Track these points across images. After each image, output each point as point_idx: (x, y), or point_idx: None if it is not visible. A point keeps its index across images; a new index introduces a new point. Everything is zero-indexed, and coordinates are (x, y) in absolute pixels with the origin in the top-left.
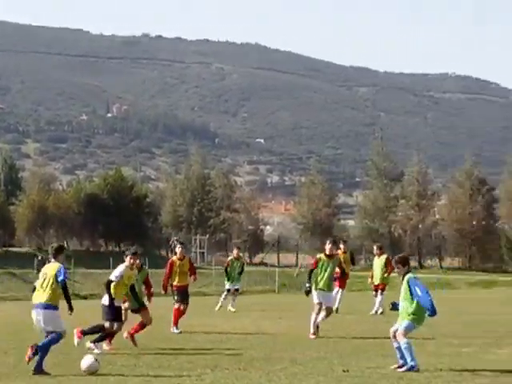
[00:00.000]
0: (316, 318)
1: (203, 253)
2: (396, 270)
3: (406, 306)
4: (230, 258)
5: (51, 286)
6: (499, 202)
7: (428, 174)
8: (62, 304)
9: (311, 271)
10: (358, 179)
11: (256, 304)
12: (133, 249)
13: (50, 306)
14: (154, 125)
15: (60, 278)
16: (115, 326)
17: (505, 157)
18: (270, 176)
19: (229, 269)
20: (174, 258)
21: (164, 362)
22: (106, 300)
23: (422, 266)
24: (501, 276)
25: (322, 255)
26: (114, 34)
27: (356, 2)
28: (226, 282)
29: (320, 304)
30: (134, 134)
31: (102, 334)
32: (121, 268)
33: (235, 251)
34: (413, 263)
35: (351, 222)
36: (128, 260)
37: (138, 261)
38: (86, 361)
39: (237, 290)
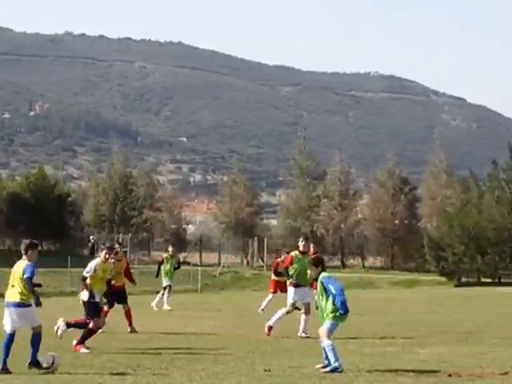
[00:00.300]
0: (283, 315)
1: (125, 252)
2: (272, 277)
3: (324, 306)
4: (164, 256)
5: (20, 283)
6: (421, 202)
7: (350, 173)
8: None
9: (286, 269)
10: (280, 178)
11: (179, 303)
12: (108, 243)
13: (22, 304)
14: (77, 123)
15: (25, 276)
16: (96, 322)
17: (427, 156)
18: (193, 175)
19: (162, 266)
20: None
21: (86, 362)
22: (84, 296)
23: (344, 266)
24: (423, 275)
25: (296, 252)
26: (38, 31)
27: (279, 1)
28: (163, 279)
29: (293, 305)
30: (57, 132)
31: (85, 333)
32: (93, 263)
33: (170, 248)
34: (335, 263)
35: (274, 222)
36: (103, 254)
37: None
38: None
39: (170, 286)
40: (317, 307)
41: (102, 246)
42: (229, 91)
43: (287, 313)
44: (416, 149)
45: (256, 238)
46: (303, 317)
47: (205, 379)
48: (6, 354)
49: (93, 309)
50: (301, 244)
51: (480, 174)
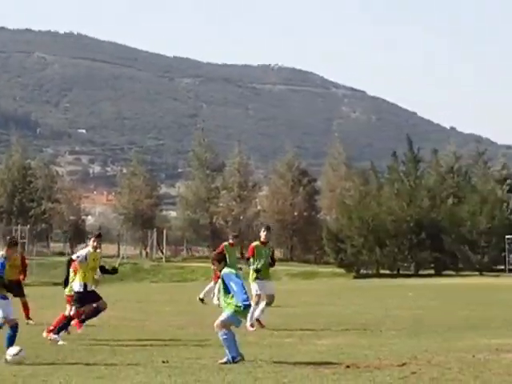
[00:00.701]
0: (255, 310)
1: (24, 243)
2: (213, 266)
3: (225, 301)
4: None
5: None
6: (320, 194)
7: (249, 164)
8: None
9: (248, 259)
10: (180, 170)
11: None
12: (96, 231)
13: None
14: None
15: None
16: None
17: (326, 148)
18: (92, 166)
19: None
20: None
21: None
22: (77, 286)
23: (243, 257)
24: (322, 267)
25: (257, 243)
26: None
27: None
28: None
29: (259, 296)
30: None
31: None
32: (84, 251)
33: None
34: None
35: (173, 213)
36: (91, 242)
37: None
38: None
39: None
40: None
41: (90, 235)
42: (128, 83)
43: (256, 305)
44: (315, 141)
45: (155, 230)
46: (261, 305)
47: (103, 370)
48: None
49: (85, 298)
50: (262, 234)
51: (379, 167)
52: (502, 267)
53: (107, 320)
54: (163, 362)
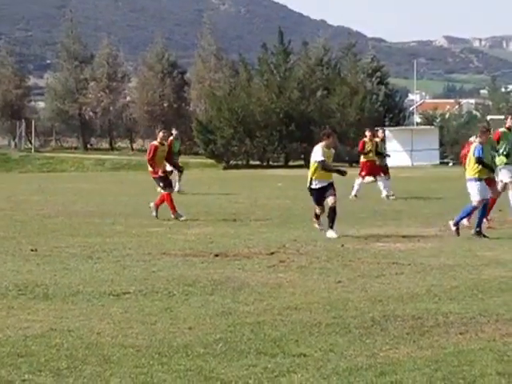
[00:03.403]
0: None
1: None
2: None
3: None
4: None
5: None
6: (190, 86)
7: (118, 56)
8: None
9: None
10: (48, 61)
11: None
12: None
13: None
14: None
15: None
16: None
17: (196, 40)
18: None
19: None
20: None
21: None
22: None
23: (113, 148)
24: (192, 158)
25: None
26: None
27: None
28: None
29: None
30: None
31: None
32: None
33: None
34: (104, 145)
35: (42, 104)
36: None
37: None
38: None
39: None
40: None
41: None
42: None
43: None
44: (185, 32)
45: (24, 121)
46: None
47: None
48: None
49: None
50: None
51: (250, 59)
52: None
53: None
54: (32, 250)
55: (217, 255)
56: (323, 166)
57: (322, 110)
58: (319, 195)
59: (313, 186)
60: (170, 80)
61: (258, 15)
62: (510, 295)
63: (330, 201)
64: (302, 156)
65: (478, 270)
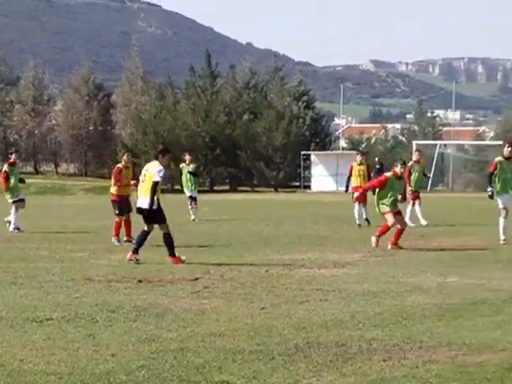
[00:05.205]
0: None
1: None
2: None
3: None
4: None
5: None
6: (116, 108)
7: (44, 78)
8: None
9: None
10: None
11: None
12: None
13: None
14: None
15: None
16: None
17: (123, 62)
18: None
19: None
20: None
21: None
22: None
23: (38, 172)
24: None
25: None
26: None
27: None
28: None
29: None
30: None
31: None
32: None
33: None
34: (29, 169)
35: None
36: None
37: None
38: None
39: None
40: None
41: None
42: None
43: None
44: (112, 55)
45: None
46: None
47: None
48: None
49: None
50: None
51: (176, 82)
52: (298, 184)
53: None
54: None
55: (140, 281)
56: (154, 188)
57: (248, 134)
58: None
59: (154, 207)
60: (95, 103)
61: (184, 38)
62: (432, 322)
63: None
64: (228, 180)
65: (402, 296)
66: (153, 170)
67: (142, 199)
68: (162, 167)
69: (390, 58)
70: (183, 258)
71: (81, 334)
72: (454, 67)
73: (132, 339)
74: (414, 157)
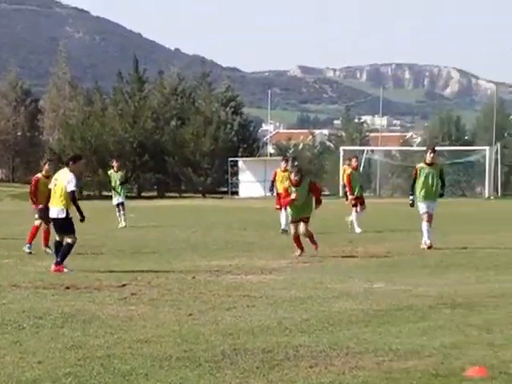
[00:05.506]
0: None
1: None
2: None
3: None
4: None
5: None
6: (44, 114)
7: None
8: None
9: None
10: None
11: None
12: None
13: None
14: None
15: None
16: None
17: (51, 68)
18: None
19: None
20: None
21: None
22: (61, 213)
23: None
24: None
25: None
26: None
27: None
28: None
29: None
30: None
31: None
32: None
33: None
34: None
35: None
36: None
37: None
38: None
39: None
40: None
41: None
42: None
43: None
44: (40, 60)
45: None
46: None
47: None
48: None
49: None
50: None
51: (104, 88)
52: (225, 189)
53: None
54: None
55: (68, 287)
56: (74, 198)
57: (176, 139)
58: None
59: (62, 215)
60: (23, 108)
61: (113, 44)
62: (359, 328)
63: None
64: (156, 186)
65: (329, 302)
66: (63, 181)
67: (53, 208)
68: (72, 176)
69: (318, 64)
70: (68, 270)
71: (7, 340)
72: (381, 73)
73: (59, 346)
74: (353, 163)
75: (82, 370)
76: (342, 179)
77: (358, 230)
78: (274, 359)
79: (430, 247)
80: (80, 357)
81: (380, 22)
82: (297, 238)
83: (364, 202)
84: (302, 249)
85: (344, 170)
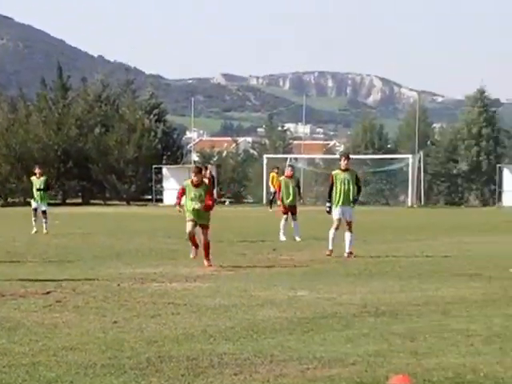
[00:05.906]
0: None
1: None
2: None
3: None
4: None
5: None
6: None
7: None
8: None
9: None
10: None
11: None
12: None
13: None
14: None
15: None
16: None
17: None
18: None
19: None
20: None
21: None
22: None
23: None
24: None
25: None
26: None
27: None
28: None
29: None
30: None
31: None
32: None
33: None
34: None
35: None
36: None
37: None
38: None
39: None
40: None
41: None
42: None
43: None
44: None
45: None
46: None
47: None
48: None
49: None
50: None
51: (28, 94)
52: (150, 197)
53: None
54: None
55: None
56: None
57: (100, 147)
58: None
59: None
60: None
61: (36, 50)
62: (283, 336)
63: None
64: (80, 194)
65: (253, 310)
66: None
67: None
68: None
69: (241, 71)
70: None
71: None
72: (304, 81)
73: None
74: (287, 171)
75: (7, 377)
76: (272, 185)
77: (282, 237)
78: (199, 367)
79: (329, 254)
80: (5, 364)
81: (300, 30)
82: (193, 238)
83: (296, 213)
84: (196, 246)
85: (273, 177)
